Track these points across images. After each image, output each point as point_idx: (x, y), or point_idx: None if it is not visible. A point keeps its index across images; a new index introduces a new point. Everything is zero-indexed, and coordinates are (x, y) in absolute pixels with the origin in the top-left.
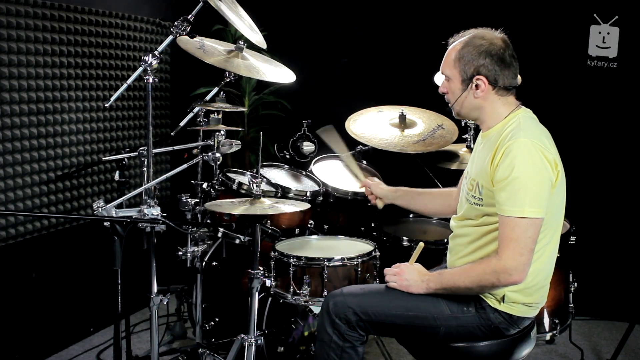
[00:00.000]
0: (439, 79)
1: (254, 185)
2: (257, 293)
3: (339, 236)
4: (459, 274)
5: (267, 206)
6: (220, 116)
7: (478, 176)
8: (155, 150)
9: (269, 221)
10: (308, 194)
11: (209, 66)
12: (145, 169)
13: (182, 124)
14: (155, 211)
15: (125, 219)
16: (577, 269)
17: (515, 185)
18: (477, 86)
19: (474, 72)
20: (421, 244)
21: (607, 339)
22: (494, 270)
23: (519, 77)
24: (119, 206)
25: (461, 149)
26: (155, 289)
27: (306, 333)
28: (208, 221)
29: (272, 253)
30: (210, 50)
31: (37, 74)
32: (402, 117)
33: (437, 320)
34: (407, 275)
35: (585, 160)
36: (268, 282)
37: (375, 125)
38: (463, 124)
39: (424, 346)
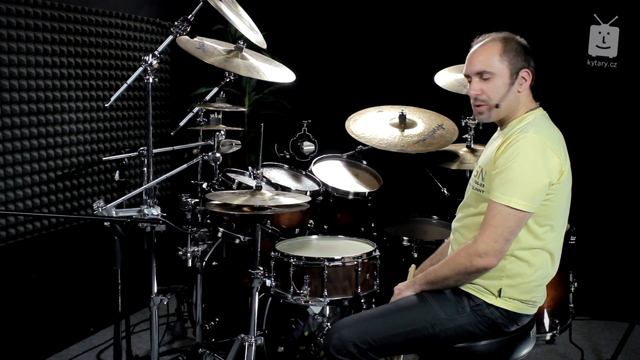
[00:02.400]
0: (440, 79)
1: (255, 176)
2: (257, 293)
3: (339, 236)
4: (440, 266)
5: (268, 198)
6: (220, 116)
7: (484, 163)
8: (155, 150)
9: (269, 221)
10: (308, 193)
11: (209, 66)
12: (145, 169)
13: (182, 124)
14: (155, 211)
15: (125, 219)
16: (577, 269)
17: (509, 173)
18: (523, 78)
19: (523, 64)
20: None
21: (607, 339)
22: (467, 253)
23: None
24: (119, 206)
25: (461, 149)
26: (155, 289)
27: (306, 333)
28: (208, 221)
29: (272, 253)
30: (210, 50)
31: (37, 74)
32: (402, 117)
33: (435, 327)
34: (399, 286)
35: (586, 160)
36: (268, 282)
37: (375, 125)
38: (463, 124)
39: (429, 353)
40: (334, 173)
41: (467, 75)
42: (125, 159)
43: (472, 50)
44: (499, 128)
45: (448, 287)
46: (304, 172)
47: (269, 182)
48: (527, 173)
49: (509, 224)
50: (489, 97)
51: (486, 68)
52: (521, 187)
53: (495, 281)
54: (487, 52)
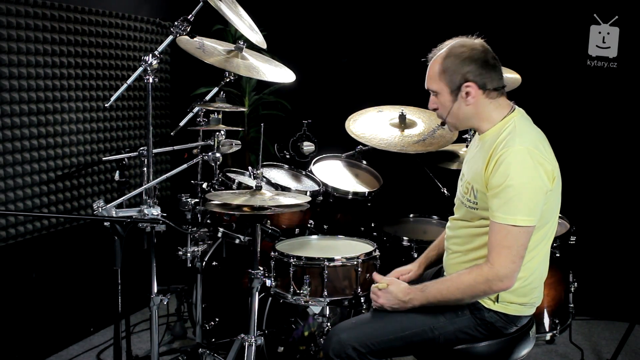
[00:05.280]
0: None
1: (255, 176)
2: (257, 293)
3: (339, 236)
4: (447, 287)
5: (268, 198)
6: (220, 116)
7: (473, 180)
8: (155, 150)
9: (269, 221)
10: (308, 193)
11: (209, 66)
12: (145, 169)
13: (182, 124)
14: (155, 211)
15: (125, 219)
16: (577, 269)
17: (509, 192)
18: (467, 94)
19: (462, 80)
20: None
21: (607, 339)
22: (486, 278)
23: (518, 76)
24: (119, 206)
25: (461, 149)
26: (155, 289)
27: (306, 333)
28: (208, 221)
29: (272, 253)
30: (210, 50)
31: (37, 74)
32: (402, 117)
33: (434, 330)
34: (387, 301)
35: (585, 160)
36: (268, 282)
37: (375, 125)
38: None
39: (428, 356)
40: (334, 173)
41: None
42: (125, 159)
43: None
44: (477, 134)
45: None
46: (304, 172)
47: (269, 182)
48: (525, 188)
49: (521, 241)
50: (440, 112)
51: (430, 86)
52: (523, 203)
53: None
54: (431, 70)
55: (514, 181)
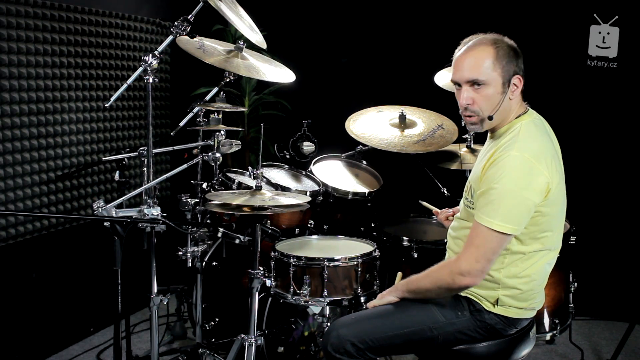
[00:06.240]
0: (440, 79)
1: (255, 176)
2: (257, 293)
3: (339, 236)
4: (422, 277)
5: (268, 198)
6: (220, 116)
7: (472, 180)
8: (155, 150)
9: (269, 221)
10: (308, 193)
11: (209, 66)
12: (145, 169)
13: (182, 124)
14: (155, 211)
15: (125, 219)
16: (577, 269)
17: (492, 195)
18: (515, 85)
19: (514, 72)
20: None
21: (607, 339)
22: (450, 270)
23: None
24: (119, 206)
25: (461, 149)
26: (155, 289)
27: (306, 333)
28: (208, 221)
29: (272, 253)
30: (210, 50)
31: (37, 74)
32: (402, 117)
33: (433, 330)
34: (383, 292)
35: (586, 160)
36: (268, 282)
37: (375, 125)
38: (463, 124)
39: (427, 355)
40: (334, 173)
41: (456, 82)
42: (125, 159)
43: (460, 53)
44: (489, 136)
45: (429, 299)
46: (304, 172)
47: (269, 182)
48: (510, 195)
49: (491, 245)
50: (480, 108)
51: (478, 76)
52: (504, 209)
53: (491, 292)
54: (479, 58)
55: (500, 185)
